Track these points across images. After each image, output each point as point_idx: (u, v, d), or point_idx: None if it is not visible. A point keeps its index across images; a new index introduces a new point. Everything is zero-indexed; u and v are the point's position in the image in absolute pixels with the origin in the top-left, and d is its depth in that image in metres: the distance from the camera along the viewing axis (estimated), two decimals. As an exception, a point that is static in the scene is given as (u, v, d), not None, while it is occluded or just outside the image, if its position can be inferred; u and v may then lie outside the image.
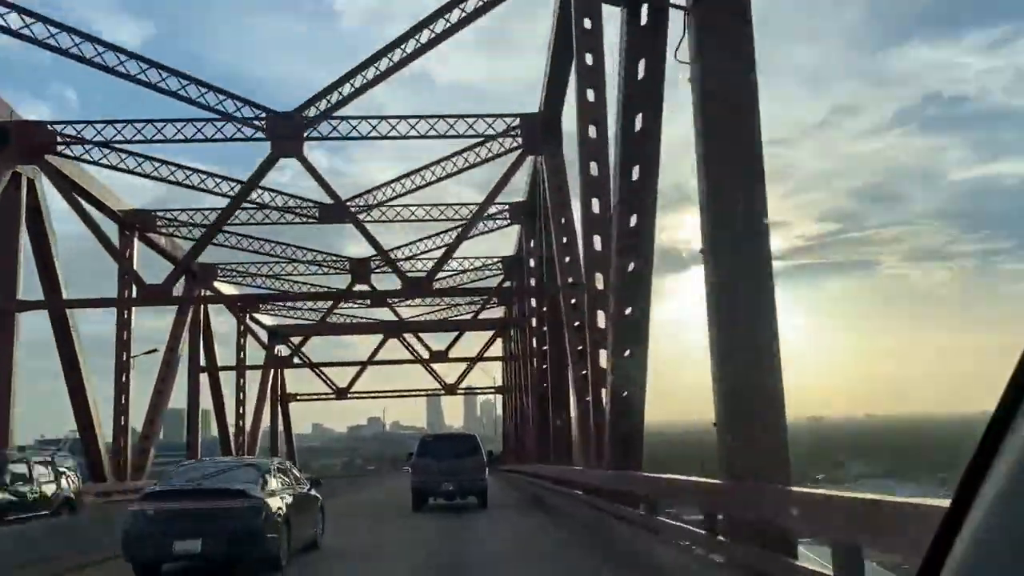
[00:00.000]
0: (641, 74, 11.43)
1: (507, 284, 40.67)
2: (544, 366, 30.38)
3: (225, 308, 43.40)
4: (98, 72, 22.35)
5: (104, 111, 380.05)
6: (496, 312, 50.31)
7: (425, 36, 22.01)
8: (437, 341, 50.10)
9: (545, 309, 29.14)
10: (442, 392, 58.64)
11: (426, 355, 50.44)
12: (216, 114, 23.60)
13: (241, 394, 45.58)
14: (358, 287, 36.38)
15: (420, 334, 49.40)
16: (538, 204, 28.04)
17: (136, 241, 30.00)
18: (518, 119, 24.97)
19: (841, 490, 8.31)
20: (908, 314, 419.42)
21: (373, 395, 61.01)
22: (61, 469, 17.08)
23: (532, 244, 31.91)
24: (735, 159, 8.07)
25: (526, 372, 39.15)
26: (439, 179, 27.88)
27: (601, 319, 17.01)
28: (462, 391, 61.57)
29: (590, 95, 17.41)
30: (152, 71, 22.76)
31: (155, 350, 33.06)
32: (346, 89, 23.06)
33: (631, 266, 12.62)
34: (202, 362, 39.27)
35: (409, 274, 29.26)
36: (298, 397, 57.24)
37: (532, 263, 32.28)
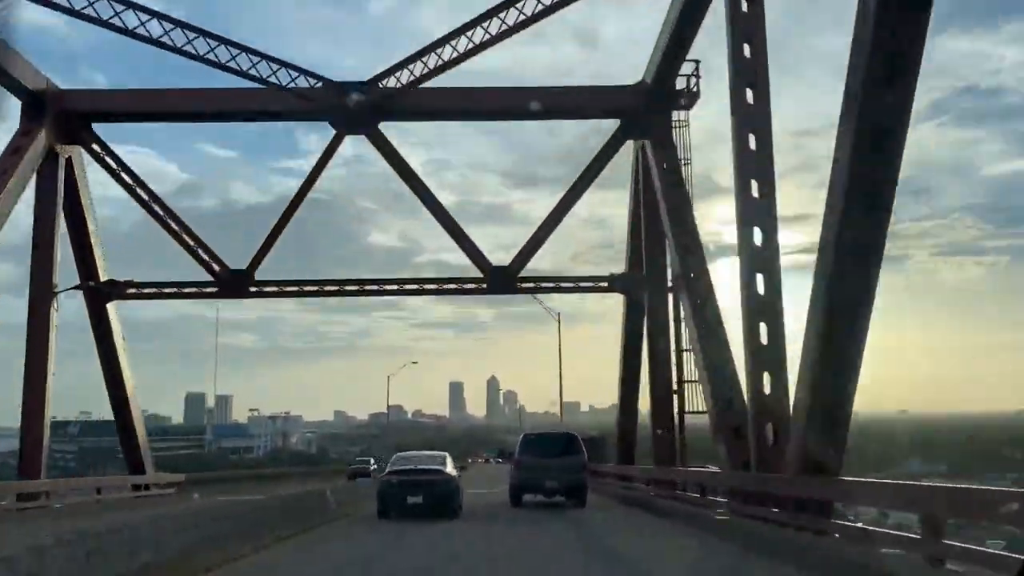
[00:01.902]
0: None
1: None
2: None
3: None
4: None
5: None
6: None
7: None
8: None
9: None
10: (482, 285, 28.97)
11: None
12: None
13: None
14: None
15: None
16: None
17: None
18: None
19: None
20: (939, 310, 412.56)
21: (321, 287, 31.28)
22: None
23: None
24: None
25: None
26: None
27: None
28: (530, 280, 29.83)
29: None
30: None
31: None
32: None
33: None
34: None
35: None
36: (132, 289, 28.76)
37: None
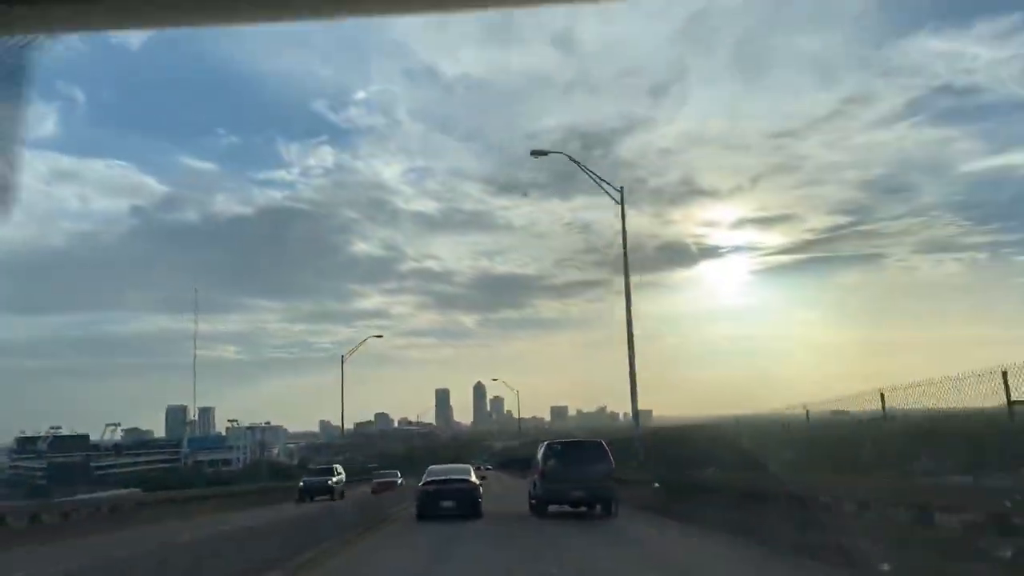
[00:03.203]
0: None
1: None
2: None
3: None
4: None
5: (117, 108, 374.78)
6: None
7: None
8: None
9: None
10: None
11: None
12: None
13: None
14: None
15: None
16: None
17: None
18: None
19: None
20: (918, 306, 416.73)
21: None
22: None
23: None
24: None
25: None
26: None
27: None
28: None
29: None
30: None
31: None
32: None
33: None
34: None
35: None
36: None
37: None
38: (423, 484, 23.87)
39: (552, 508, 22.53)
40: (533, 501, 23.55)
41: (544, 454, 23.14)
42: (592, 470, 21.88)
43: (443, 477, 23.99)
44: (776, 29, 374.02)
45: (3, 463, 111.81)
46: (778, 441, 19.22)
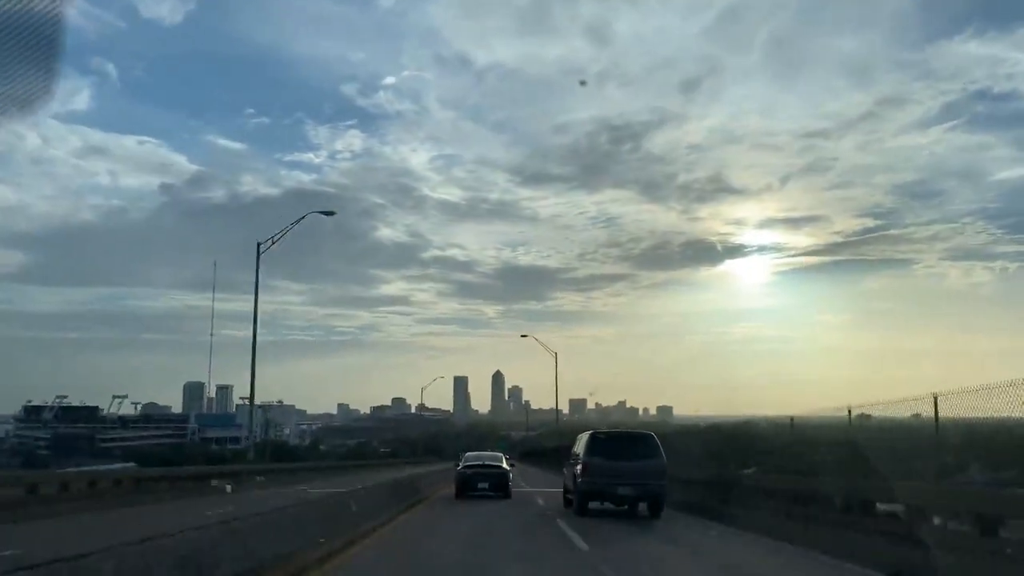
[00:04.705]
0: None
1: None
2: None
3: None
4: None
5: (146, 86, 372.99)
6: None
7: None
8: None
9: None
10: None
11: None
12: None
13: None
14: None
15: None
16: None
17: None
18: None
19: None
20: (946, 314, 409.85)
21: None
22: None
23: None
24: None
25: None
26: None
27: None
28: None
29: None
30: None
31: None
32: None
33: None
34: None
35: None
36: None
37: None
38: (462, 467, 27.32)
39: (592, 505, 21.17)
40: (571, 496, 22.10)
41: (588, 445, 21.30)
42: (643, 465, 20.35)
43: (479, 462, 27.63)
44: (812, 27, 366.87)
45: (9, 431, 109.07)
46: (823, 443, 17.58)
